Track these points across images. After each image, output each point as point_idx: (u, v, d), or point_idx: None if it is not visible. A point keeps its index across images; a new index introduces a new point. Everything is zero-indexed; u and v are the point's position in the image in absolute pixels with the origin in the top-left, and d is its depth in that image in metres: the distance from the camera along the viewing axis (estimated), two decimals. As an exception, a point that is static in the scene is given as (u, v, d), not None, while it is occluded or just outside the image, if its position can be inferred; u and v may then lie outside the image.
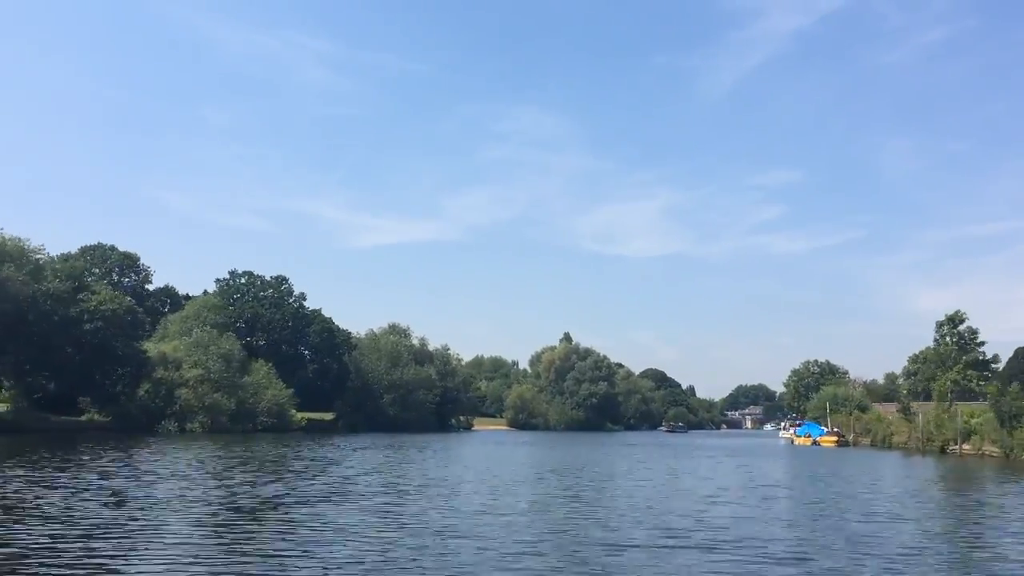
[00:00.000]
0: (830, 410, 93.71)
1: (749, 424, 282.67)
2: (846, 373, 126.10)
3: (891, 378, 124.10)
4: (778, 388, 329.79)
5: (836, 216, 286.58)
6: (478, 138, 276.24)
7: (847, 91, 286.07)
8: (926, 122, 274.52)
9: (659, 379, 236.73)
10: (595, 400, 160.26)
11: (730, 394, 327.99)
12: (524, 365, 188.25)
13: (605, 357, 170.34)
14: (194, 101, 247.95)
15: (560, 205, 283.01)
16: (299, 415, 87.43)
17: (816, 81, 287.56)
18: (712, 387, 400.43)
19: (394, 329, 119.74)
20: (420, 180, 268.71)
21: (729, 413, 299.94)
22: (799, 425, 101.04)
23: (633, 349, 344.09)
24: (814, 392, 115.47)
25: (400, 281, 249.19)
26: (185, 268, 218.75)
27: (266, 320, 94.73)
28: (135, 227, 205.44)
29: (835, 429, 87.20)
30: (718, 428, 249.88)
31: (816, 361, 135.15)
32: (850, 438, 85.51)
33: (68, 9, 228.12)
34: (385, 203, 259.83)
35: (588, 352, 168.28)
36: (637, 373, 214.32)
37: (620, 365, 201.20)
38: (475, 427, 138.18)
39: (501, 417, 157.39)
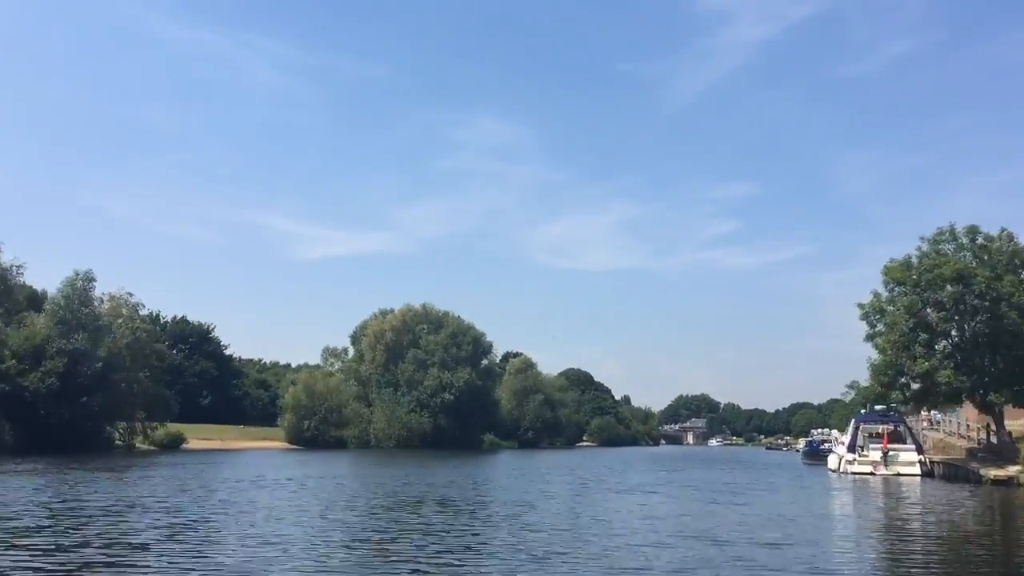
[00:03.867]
0: None
1: (691, 439, 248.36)
2: None
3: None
4: (723, 399, 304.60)
5: (789, 231, 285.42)
6: (433, 147, 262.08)
7: (810, 102, 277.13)
8: (886, 135, 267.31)
9: (581, 381, 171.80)
10: (453, 396, 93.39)
11: (669, 405, 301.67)
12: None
13: (472, 327, 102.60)
14: (136, 103, 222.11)
15: (515, 217, 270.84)
16: None
17: (780, 92, 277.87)
18: (651, 401, 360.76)
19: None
20: (373, 190, 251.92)
21: (668, 427, 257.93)
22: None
23: (578, 364, 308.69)
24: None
25: (350, 294, 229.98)
26: (122, 279, 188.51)
27: None
28: (69, 236, 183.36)
29: None
30: (656, 444, 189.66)
31: (1006, 233, 38.09)
32: None
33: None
34: (336, 213, 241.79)
35: (444, 319, 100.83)
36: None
37: (517, 354, 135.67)
38: (195, 442, 71.09)
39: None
